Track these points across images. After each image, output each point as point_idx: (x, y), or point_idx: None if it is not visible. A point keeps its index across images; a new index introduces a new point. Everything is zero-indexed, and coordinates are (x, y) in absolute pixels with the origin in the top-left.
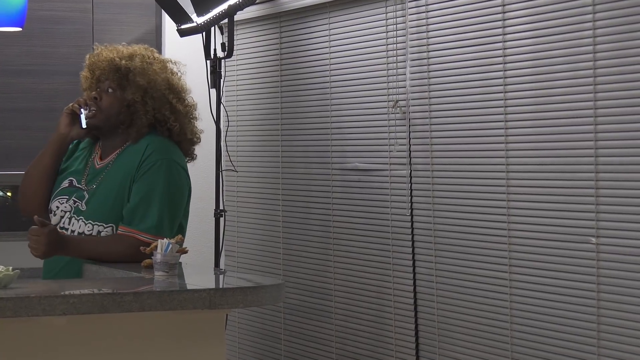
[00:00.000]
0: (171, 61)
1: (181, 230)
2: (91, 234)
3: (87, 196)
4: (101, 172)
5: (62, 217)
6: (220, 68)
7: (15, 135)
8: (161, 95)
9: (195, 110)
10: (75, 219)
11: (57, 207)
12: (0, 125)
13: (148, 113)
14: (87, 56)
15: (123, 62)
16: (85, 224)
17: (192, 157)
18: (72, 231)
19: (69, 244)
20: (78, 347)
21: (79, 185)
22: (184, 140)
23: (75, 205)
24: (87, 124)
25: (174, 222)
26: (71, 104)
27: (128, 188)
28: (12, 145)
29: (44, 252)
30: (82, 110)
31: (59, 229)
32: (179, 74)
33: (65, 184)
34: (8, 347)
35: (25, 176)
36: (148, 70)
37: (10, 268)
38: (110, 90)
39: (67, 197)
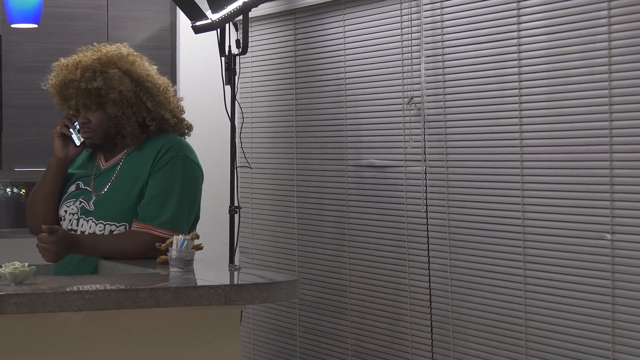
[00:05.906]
0: (124, 46)
1: (195, 223)
2: (102, 233)
3: (94, 197)
4: (109, 173)
5: (70, 220)
6: (234, 65)
7: (30, 132)
8: (135, 100)
9: (171, 86)
10: (84, 219)
11: (66, 211)
12: (15, 122)
13: (130, 120)
14: (48, 85)
15: (88, 84)
16: (96, 224)
17: (189, 131)
18: (82, 232)
19: (82, 244)
20: (93, 343)
21: (86, 187)
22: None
23: (81, 205)
24: (87, 145)
25: (191, 217)
26: (58, 126)
27: (143, 185)
28: (27, 142)
29: (54, 258)
30: (70, 130)
31: (67, 231)
32: (133, 56)
33: (73, 187)
34: (23, 343)
35: (32, 200)
36: (112, 82)
37: (26, 264)
38: (94, 108)
39: (74, 199)
